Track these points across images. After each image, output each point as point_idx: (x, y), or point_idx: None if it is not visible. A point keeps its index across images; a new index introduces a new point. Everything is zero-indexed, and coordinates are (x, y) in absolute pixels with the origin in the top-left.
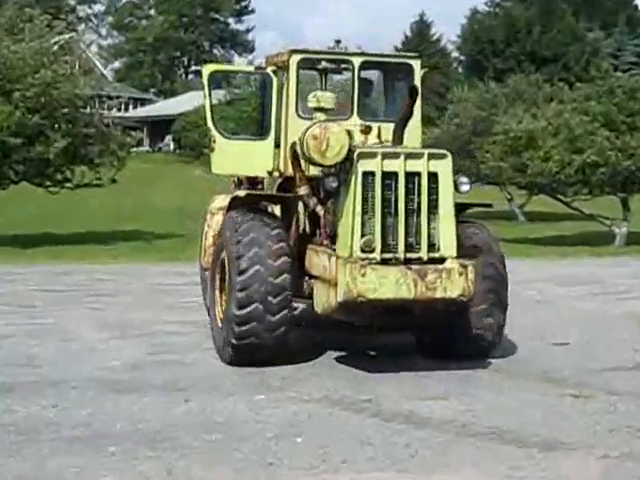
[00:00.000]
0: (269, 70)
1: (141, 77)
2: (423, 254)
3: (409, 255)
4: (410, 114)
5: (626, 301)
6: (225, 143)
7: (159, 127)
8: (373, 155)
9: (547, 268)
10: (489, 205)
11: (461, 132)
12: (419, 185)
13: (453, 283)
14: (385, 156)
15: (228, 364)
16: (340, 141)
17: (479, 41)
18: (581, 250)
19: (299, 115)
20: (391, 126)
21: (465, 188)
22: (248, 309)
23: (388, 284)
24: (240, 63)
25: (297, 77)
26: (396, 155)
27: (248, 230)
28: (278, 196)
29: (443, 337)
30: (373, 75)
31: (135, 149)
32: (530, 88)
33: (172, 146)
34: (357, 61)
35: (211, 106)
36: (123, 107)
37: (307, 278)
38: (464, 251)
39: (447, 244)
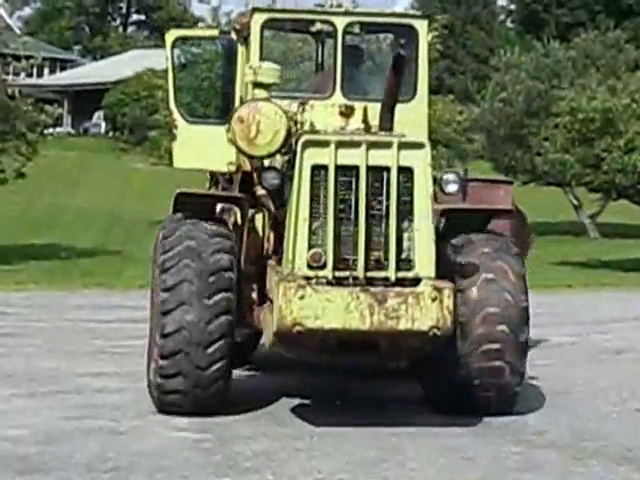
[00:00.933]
0: (233, 35)
1: (61, 29)
2: (390, 273)
3: (372, 274)
4: (396, 90)
5: None
6: (187, 129)
7: (86, 100)
8: (324, 144)
9: (630, 304)
10: (510, 211)
11: (510, 111)
12: (388, 183)
13: (423, 311)
14: (340, 145)
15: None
16: (273, 126)
17: None
18: None
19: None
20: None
21: (452, 188)
22: (173, 359)
23: (335, 310)
24: (204, 23)
25: (261, 42)
26: (356, 144)
27: (177, 251)
28: (224, 196)
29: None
30: (363, 41)
31: (52, 130)
32: (607, 51)
33: (104, 127)
34: (341, 22)
35: (174, 82)
36: (35, 71)
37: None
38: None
39: (424, 260)
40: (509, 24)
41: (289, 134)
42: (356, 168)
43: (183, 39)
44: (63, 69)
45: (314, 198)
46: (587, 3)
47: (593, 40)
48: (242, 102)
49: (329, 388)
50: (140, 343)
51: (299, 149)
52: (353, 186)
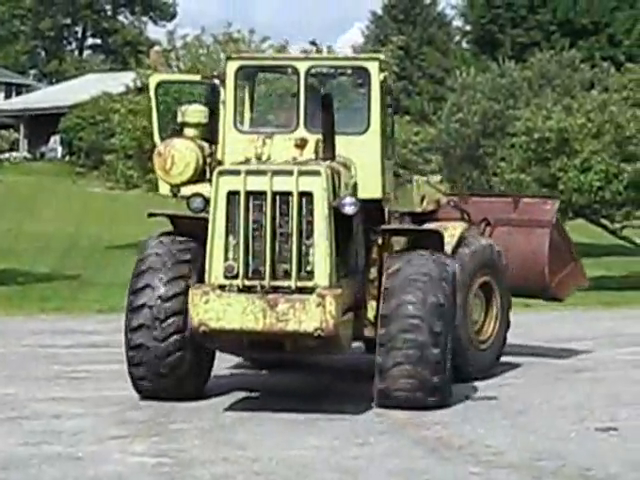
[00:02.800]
0: (215, 81)
1: (16, 54)
2: (292, 282)
3: (278, 283)
4: (330, 125)
5: None
6: None
7: (42, 124)
8: (236, 173)
9: (587, 323)
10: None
11: (466, 132)
12: (290, 206)
13: (308, 315)
14: (249, 173)
15: None
16: (185, 159)
17: (492, 5)
18: (635, 297)
19: (238, 129)
20: (344, 139)
21: (349, 210)
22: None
23: (233, 313)
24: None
25: (235, 87)
26: (262, 172)
27: (141, 272)
28: (186, 217)
29: None
30: (325, 81)
31: (8, 155)
32: (562, 71)
33: (60, 151)
34: (303, 67)
35: (158, 121)
36: None
37: None
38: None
39: (322, 272)
40: (465, 45)
41: (204, 165)
42: (264, 193)
43: (167, 83)
44: (19, 94)
45: (229, 218)
46: (542, 23)
47: (548, 60)
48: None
49: (289, 411)
50: (99, 368)
51: (215, 177)
52: (262, 208)
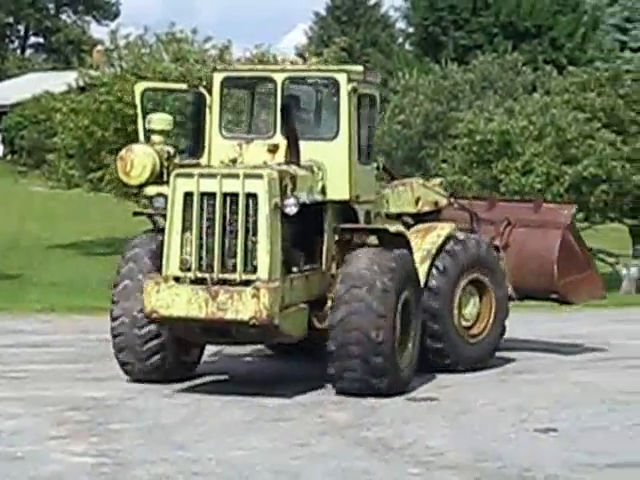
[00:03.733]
0: (201, 89)
1: None
2: (237, 275)
3: (226, 276)
4: (291, 132)
5: (636, 371)
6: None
7: None
8: (190, 175)
9: (532, 325)
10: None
11: (408, 133)
12: (237, 206)
13: (244, 305)
14: (202, 176)
15: None
16: (142, 162)
17: (435, 7)
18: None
19: (222, 135)
20: (316, 144)
21: (290, 210)
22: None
23: (180, 302)
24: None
25: (220, 96)
26: (213, 175)
27: (122, 268)
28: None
29: None
30: (300, 91)
31: None
32: (505, 73)
33: (1, 150)
34: (280, 77)
35: (144, 126)
36: None
37: None
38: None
39: (264, 266)
40: (408, 47)
41: (161, 168)
42: (214, 194)
43: (151, 90)
44: None
45: (185, 217)
46: (485, 26)
47: (491, 63)
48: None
49: (230, 412)
50: (39, 368)
51: (172, 180)
52: (214, 208)
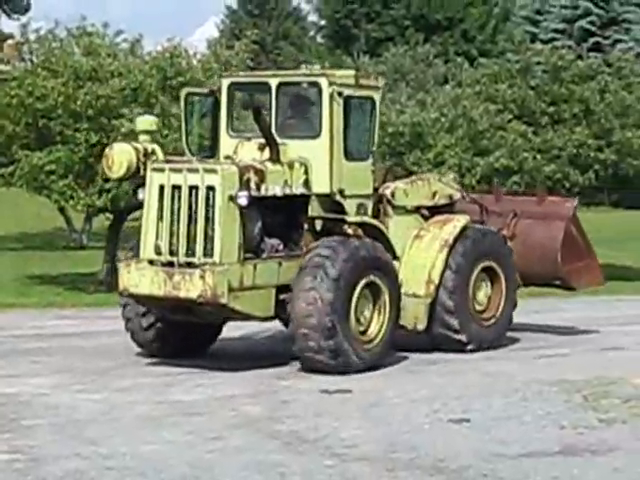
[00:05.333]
0: (217, 94)
1: None
2: (197, 259)
3: (189, 259)
4: (265, 132)
5: (551, 360)
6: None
7: None
8: (162, 170)
9: None
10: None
11: None
12: (197, 197)
13: (193, 285)
14: (172, 171)
15: None
16: (121, 158)
17: (346, 0)
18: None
19: (229, 135)
20: (302, 142)
21: (241, 202)
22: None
23: (145, 281)
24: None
25: (228, 99)
26: (179, 170)
27: None
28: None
29: None
30: (292, 94)
31: None
32: (416, 65)
33: None
34: (274, 82)
35: (186, 129)
36: None
37: None
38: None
39: (218, 251)
40: (320, 39)
41: (137, 164)
42: (181, 187)
43: (193, 94)
44: None
45: (159, 207)
46: (396, 18)
47: (403, 55)
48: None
49: (143, 406)
50: None
51: (148, 174)
52: (181, 199)
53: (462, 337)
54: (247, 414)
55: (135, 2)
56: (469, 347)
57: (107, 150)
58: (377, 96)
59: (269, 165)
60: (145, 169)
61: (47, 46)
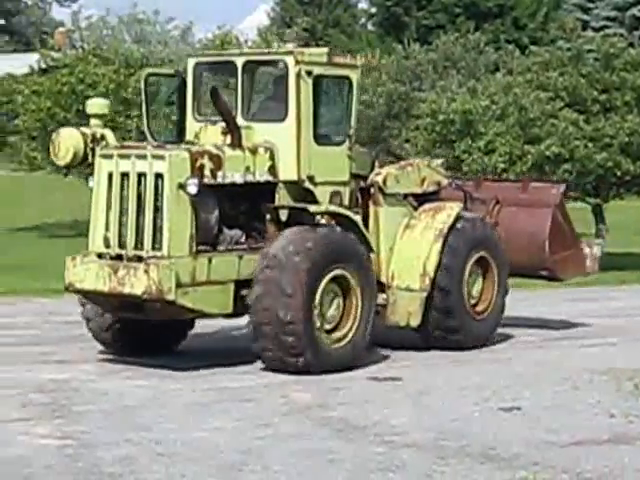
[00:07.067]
0: (184, 75)
1: None
2: (144, 252)
3: (137, 252)
4: (225, 115)
5: (597, 349)
6: None
7: None
8: (110, 157)
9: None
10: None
11: (371, 114)
12: (146, 185)
13: (138, 280)
14: (121, 157)
15: None
16: (67, 144)
17: None
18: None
19: (195, 118)
20: (268, 126)
21: (190, 190)
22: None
23: (91, 277)
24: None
25: (194, 80)
26: (127, 156)
27: None
28: None
29: None
30: (258, 74)
31: None
32: (467, 53)
33: None
34: (240, 62)
35: (146, 113)
36: None
37: None
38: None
39: (166, 243)
40: (370, 27)
41: (85, 150)
42: (129, 174)
43: (154, 75)
44: None
45: (108, 196)
46: (447, 6)
47: (453, 43)
48: None
49: (193, 394)
50: (2, 350)
51: (97, 160)
52: (129, 187)
53: (459, 337)
54: (297, 401)
55: None
56: (466, 345)
57: (54, 136)
58: (354, 76)
59: (228, 150)
60: (94, 155)
61: (98, 34)
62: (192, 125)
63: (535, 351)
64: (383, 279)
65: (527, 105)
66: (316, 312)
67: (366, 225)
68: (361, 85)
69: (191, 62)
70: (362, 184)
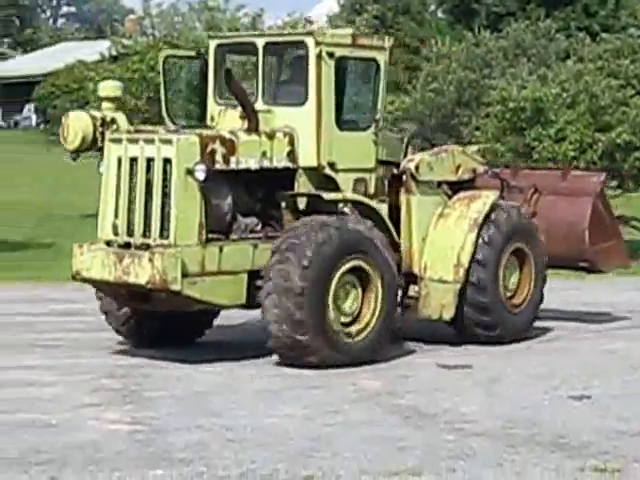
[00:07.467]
0: (206, 57)
1: None
2: (152, 240)
3: (145, 240)
4: (241, 98)
5: None
6: None
7: (16, 93)
8: (119, 141)
9: (556, 293)
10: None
11: (441, 101)
12: (154, 171)
13: (143, 269)
14: (129, 141)
15: None
16: (75, 127)
17: None
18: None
19: (216, 101)
20: (288, 110)
21: (198, 176)
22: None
23: (97, 265)
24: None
25: (215, 62)
26: (136, 141)
27: None
28: None
29: None
30: (281, 56)
31: None
32: (538, 40)
33: (34, 119)
34: (260, 43)
35: (165, 94)
36: None
37: None
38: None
39: (173, 231)
40: (440, 14)
41: (94, 134)
42: (138, 159)
43: (173, 57)
44: None
45: (117, 182)
46: None
47: (524, 30)
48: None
49: (264, 380)
50: (73, 336)
51: (106, 145)
52: (137, 173)
53: (496, 333)
54: (366, 388)
55: None
56: (504, 340)
57: (63, 119)
58: (382, 58)
59: (242, 135)
60: (103, 140)
61: (169, 21)
62: (213, 109)
63: (603, 340)
64: (415, 270)
65: (598, 93)
66: (330, 307)
67: (398, 214)
68: (431, 73)
69: (213, 44)
70: (394, 171)
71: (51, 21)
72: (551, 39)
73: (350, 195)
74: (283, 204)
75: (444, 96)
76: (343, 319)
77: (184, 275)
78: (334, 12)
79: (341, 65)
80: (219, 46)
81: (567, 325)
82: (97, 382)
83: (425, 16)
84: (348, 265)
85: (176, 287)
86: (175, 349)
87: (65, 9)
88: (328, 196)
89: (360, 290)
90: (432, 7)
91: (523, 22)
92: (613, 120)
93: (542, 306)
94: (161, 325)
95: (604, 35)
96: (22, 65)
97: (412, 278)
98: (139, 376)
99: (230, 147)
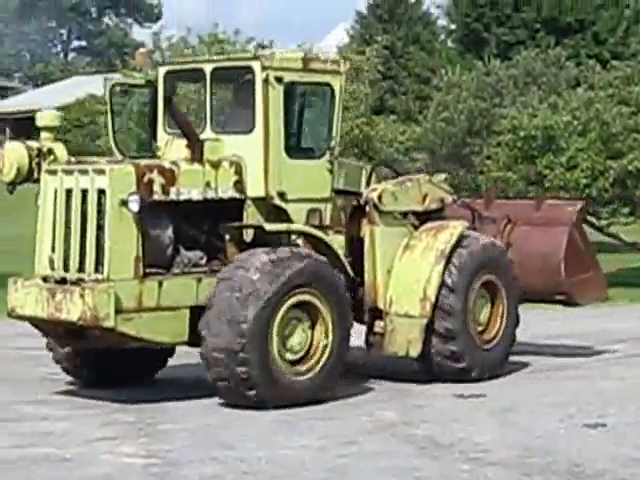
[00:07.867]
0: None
1: (1, 57)
2: (87, 275)
3: (81, 275)
4: (181, 125)
5: None
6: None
7: (28, 126)
8: (55, 172)
9: (573, 320)
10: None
11: (452, 130)
12: (90, 202)
13: (74, 305)
14: (65, 173)
15: None
16: (10, 158)
17: (477, 4)
18: (620, 294)
19: (165, 130)
20: (236, 138)
21: (132, 207)
22: None
23: (31, 301)
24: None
25: (165, 90)
26: (71, 172)
27: None
28: None
29: None
30: (229, 82)
31: None
32: (548, 68)
33: None
34: (208, 68)
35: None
36: None
37: None
38: None
39: (108, 265)
40: (450, 44)
41: (30, 165)
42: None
43: (119, 85)
44: (4, 97)
45: (53, 214)
46: (527, 22)
47: (534, 58)
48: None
49: (277, 412)
50: None
51: (42, 176)
52: (72, 205)
53: (463, 365)
54: (381, 419)
55: (266, 9)
56: (472, 375)
57: (1, 150)
58: (337, 82)
59: (183, 165)
60: (39, 171)
61: (179, 53)
62: (162, 138)
63: (618, 367)
64: (380, 305)
65: (609, 120)
66: (274, 341)
67: (361, 246)
68: (441, 102)
69: (161, 71)
70: (355, 202)
71: (62, 55)
72: (561, 67)
73: (295, 226)
74: (227, 236)
75: (455, 125)
76: (289, 356)
77: (118, 311)
78: (344, 42)
79: (291, 90)
80: (168, 73)
81: (579, 352)
82: (110, 416)
83: (435, 45)
84: (295, 299)
85: (109, 324)
86: (187, 381)
87: (76, 43)
88: (270, 227)
89: (308, 326)
90: (442, 36)
91: (533, 50)
92: (624, 147)
93: (552, 333)
94: (108, 363)
95: (614, 62)
96: (33, 99)
97: (377, 313)
98: (152, 410)
99: (170, 177)
